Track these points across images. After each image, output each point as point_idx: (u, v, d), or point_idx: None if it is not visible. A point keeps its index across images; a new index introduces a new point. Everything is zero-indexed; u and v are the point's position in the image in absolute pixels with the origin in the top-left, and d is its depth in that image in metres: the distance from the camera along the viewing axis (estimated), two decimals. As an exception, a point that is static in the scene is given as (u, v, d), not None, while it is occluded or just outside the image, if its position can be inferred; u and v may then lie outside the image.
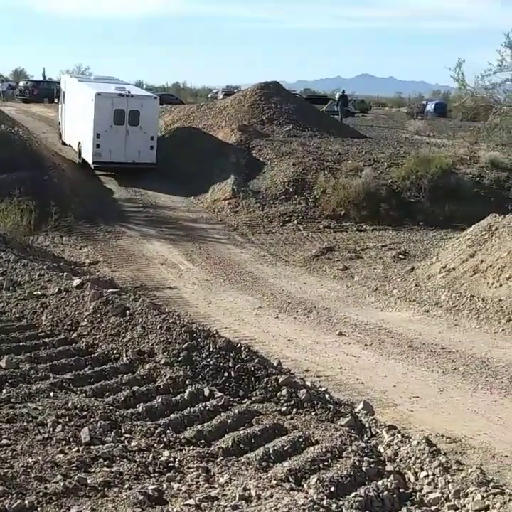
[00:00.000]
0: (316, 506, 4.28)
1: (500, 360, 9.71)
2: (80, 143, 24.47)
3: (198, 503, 4.18)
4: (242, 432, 5.64)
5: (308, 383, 7.21)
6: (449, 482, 5.44)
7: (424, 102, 51.42)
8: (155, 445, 5.05)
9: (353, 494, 4.75)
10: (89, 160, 23.35)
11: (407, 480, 5.53)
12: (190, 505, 4.15)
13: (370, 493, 4.93)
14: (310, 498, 4.47)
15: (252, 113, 28.25)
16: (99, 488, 4.17)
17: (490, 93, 20.08)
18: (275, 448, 5.52)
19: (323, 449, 5.65)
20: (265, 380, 6.78)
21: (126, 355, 6.81)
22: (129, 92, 23.97)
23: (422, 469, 5.68)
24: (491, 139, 24.98)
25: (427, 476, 5.60)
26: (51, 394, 5.56)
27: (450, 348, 10.32)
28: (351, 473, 5.29)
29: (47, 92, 40.47)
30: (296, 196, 21.06)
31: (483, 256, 13.60)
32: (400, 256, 16.67)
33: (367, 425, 6.48)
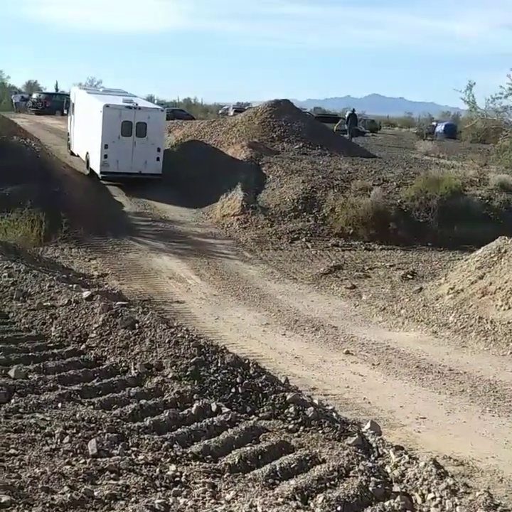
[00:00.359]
0: (323, 525, 4.26)
1: (509, 383, 9.64)
2: (88, 153, 24.81)
3: (205, 518, 4.16)
4: (248, 448, 5.60)
5: (315, 401, 7.18)
6: (456, 505, 5.39)
7: (434, 123, 51.57)
8: (162, 459, 5.03)
9: (360, 515, 4.72)
10: (97, 170, 23.65)
11: (414, 502, 5.48)
12: (196, 520, 4.13)
13: (377, 514, 4.89)
14: (317, 517, 4.44)
15: (263, 130, 28.42)
16: (106, 500, 4.15)
17: (500, 116, 20.11)
18: (282, 465, 5.48)
19: (330, 468, 5.60)
20: (273, 396, 6.76)
21: (135, 368, 6.81)
22: (137, 104, 24.39)
23: (429, 491, 5.63)
24: (500, 161, 25.03)
25: (435, 498, 5.55)
26: (59, 405, 5.56)
27: (458, 369, 10.26)
28: (358, 494, 5.24)
29: (59, 104, 40.85)
30: (305, 214, 21.10)
31: (492, 278, 13.57)
32: (408, 276, 16.63)
33: (374, 445, 6.43)
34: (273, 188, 22.56)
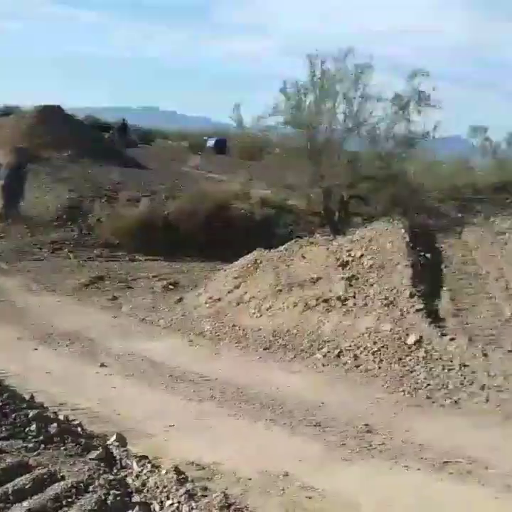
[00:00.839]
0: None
1: (254, 387, 10.17)
2: None
3: None
4: (-21, 473, 5.27)
5: (61, 417, 6.97)
6: (193, 508, 5.54)
7: (205, 138, 52.93)
8: None
9: (95, 529, 4.66)
10: None
11: (152, 510, 5.54)
12: None
13: (113, 527, 4.87)
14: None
15: (30, 136, 27.21)
16: None
17: (264, 134, 21.36)
18: (16, 487, 5.22)
19: (69, 485, 5.45)
20: (14, 415, 6.43)
21: None
22: None
23: (168, 498, 5.72)
24: (263, 177, 26.58)
25: (173, 504, 5.65)
26: None
27: (209, 376, 10.61)
28: (95, 509, 5.17)
29: None
30: (69, 223, 20.56)
31: (247, 288, 14.31)
32: (170, 286, 16.91)
33: (118, 457, 6.41)
34: (37, 196, 21.65)
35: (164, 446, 7.92)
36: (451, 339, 11.18)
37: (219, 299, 14.35)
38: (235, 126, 22.17)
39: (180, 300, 15.15)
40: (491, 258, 13.94)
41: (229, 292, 14.41)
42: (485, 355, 10.60)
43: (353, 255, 14.20)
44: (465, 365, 10.52)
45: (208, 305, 14.30)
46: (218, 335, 12.82)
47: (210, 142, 49.78)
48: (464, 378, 10.26)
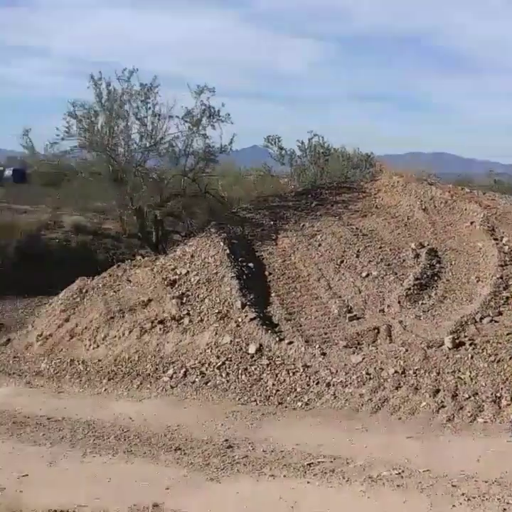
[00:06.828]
0: None
1: (106, 421, 9.79)
2: None
3: None
4: None
5: None
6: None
7: (1, 168, 49.86)
8: None
9: None
10: None
11: None
12: None
13: None
14: None
15: None
16: None
17: (61, 160, 20.22)
18: None
19: None
20: None
21: None
22: None
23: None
24: (69, 204, 25.61)
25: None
26: None
27: (56, 416, 10.01)
28: None
29: None
30: None
31: (78, 319, 13.78)
32: (-5, 329, 15.80)
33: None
34: None
35: (19, 498, 7.40)
36: (289, 343, 11.62)
37: (50, 335, 13.66)
38: (27, 154, 20.79)
39: (8, 341, 14.24)
40: (309, 260, 14.66)
41: (59, 326, 13.78)
42: (323, 354, 11.17)
43: (178, 273, 14.24)
44: (307, 366, 10.99)
45: (39, 343, 13.55)
46: (57, 372, 12.19)
47: (8, 172, 46.92)
48: (309, 379, 10.73)
